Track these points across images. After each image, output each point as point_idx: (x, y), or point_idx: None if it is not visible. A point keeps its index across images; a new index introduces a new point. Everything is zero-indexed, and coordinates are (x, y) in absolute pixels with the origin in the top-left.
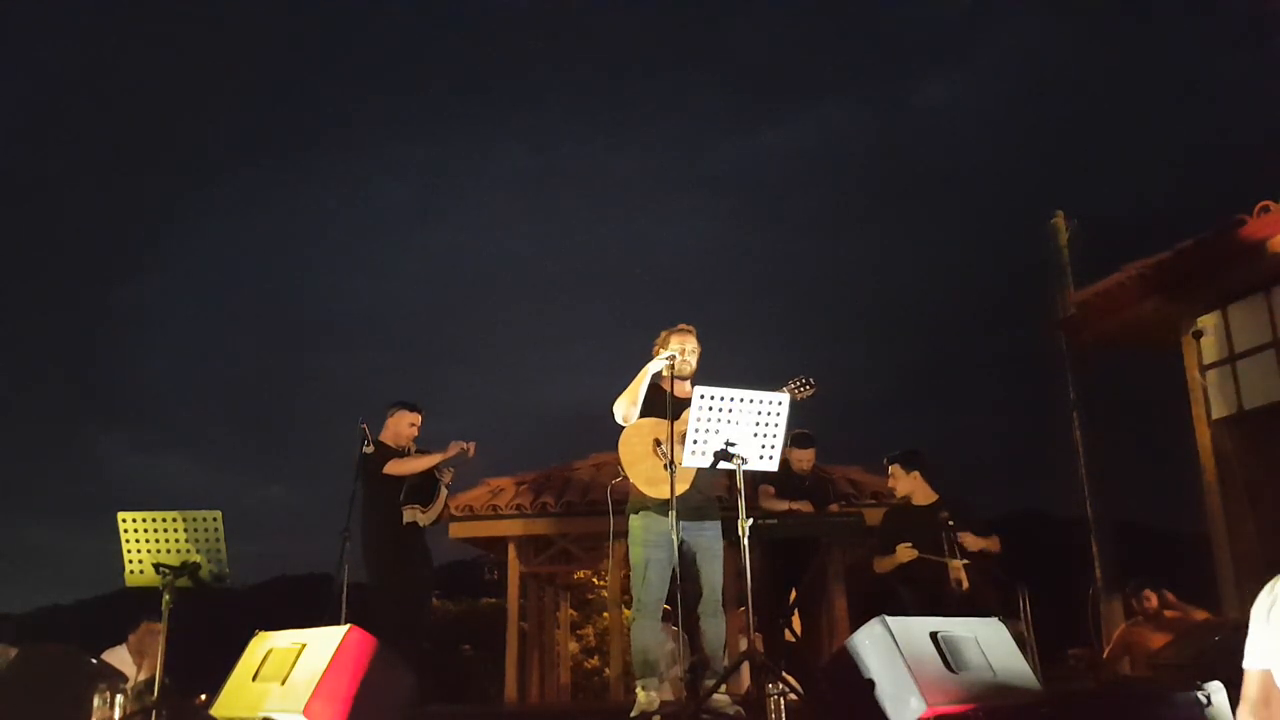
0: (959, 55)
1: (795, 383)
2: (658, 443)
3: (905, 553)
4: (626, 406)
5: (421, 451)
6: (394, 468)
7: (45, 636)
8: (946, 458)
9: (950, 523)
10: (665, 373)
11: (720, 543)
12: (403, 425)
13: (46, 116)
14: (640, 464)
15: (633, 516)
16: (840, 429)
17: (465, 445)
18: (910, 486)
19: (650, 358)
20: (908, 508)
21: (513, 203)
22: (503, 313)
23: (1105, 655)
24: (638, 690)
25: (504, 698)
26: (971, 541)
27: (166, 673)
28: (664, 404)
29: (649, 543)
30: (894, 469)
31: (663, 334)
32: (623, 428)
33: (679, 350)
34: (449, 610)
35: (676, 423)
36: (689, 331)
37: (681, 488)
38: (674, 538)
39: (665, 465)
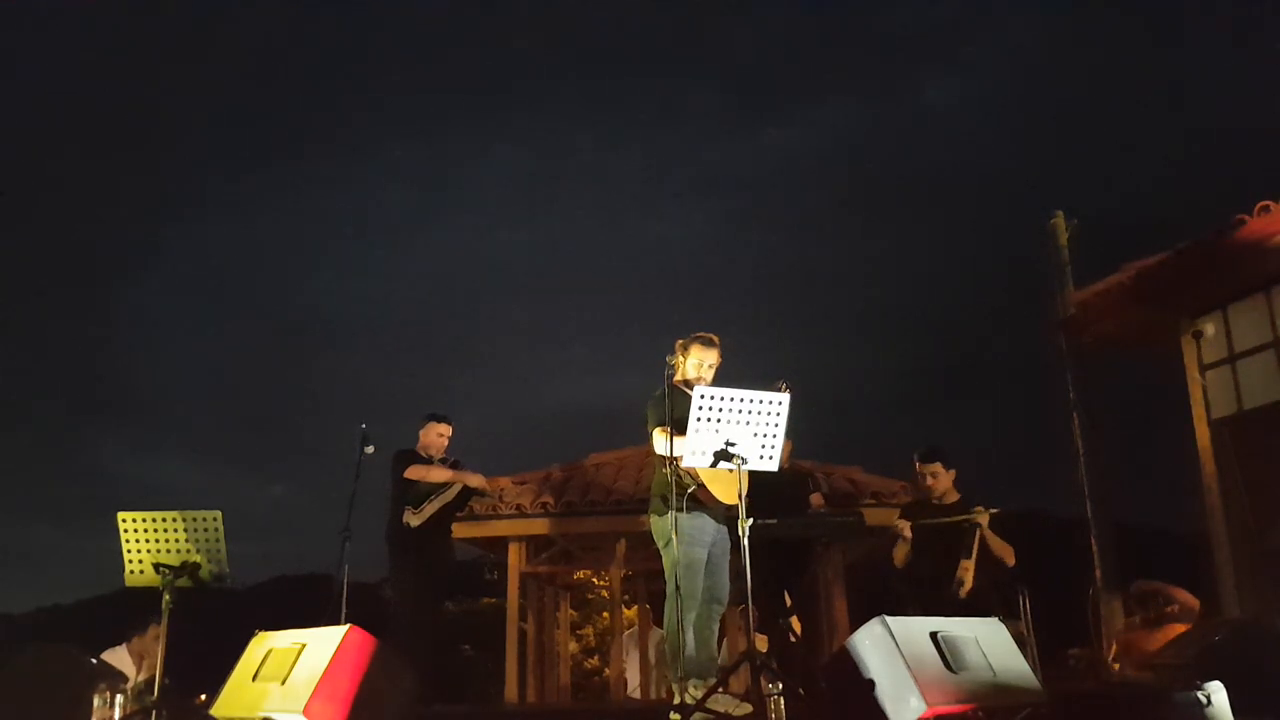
0: (958, 56)
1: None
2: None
3: (903, 525)
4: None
5: (451, 464)
6: (414, 472)
7: (45, 636)
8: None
9: (979, 517)
10: (685, 389)
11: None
12: (432, 436)
13: (46, 116)
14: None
15: (678, 515)
16: (840, 429)
17: (488, 485)
18: (948, 484)
19: (664, 362)
20: (926, 503)
21: (512, 203)
22: (502, 313)
23: (1107, 653)
24: (689, 687)
25: (504, 698)
26: (997, 546)
27: (166, 673)
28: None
29: (696, 541)
30: (936, 466)
31: (684, 342)
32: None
33: (699, 363)
34: (449, 610)
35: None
36: (713, 345)
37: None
38: (672, 535)
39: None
